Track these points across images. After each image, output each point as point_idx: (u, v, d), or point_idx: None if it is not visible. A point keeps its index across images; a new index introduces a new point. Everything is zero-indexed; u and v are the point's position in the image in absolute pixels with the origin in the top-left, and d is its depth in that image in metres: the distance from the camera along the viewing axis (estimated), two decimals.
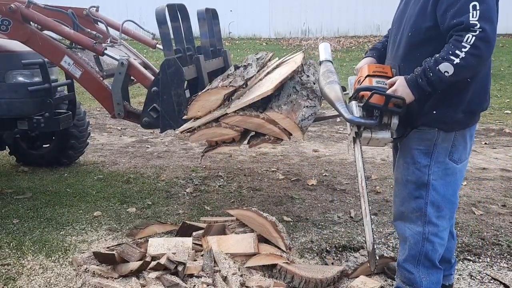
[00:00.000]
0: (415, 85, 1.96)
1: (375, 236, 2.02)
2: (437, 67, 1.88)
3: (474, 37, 1.82)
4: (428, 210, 2.19)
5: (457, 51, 1.85)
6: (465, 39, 1.83)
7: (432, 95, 2.02)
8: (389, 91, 2.02)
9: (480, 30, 1.82)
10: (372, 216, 3.55)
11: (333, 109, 2.23)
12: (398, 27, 2.22)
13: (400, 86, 1.99)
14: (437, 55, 1.92)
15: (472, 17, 1.83)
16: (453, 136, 2.12)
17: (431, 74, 1.91)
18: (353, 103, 2.14)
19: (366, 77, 2.17)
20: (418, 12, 2.03)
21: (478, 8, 1.83)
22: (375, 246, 2.07)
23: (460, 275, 2.77)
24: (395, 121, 2.06)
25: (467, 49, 1.83)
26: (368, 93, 2.06)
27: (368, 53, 2.48)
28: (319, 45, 2.63)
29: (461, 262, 2.92)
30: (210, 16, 3.79)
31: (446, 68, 1.87)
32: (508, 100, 8.12)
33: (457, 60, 1.85)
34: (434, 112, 2.07)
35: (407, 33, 2.10)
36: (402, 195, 2.27)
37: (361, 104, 2.11)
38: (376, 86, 2.11)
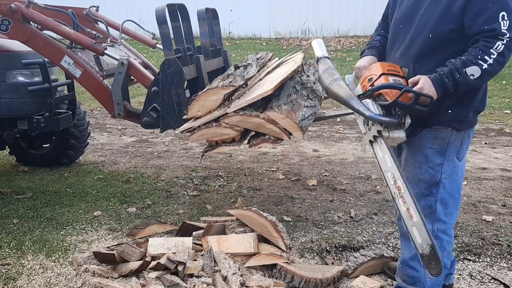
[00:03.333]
0: (440, 85, 1.97)
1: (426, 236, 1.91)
2: (464, 69, 1.93)
3: (503, 46, 1.90)
4: (438, 207, 2.22)
5: (485, 57, 1.91)
6: (495, 46, 1.91)
7: (450, 95, 2.03)
8: (415, 90, 1.99)
9: (508, 39, 1.90)
10: (373, 216, 3.57)
11: (345, 107, 2.17)
12: (407, 25, 2.19)
13: (426, 85, 1.98)
14: (464, 57, 1.95)
15: (503, 26, 1.90)
16: (463, 135, 2.19)
17: (458, 76, 1.94)
18: (369, 101, 2.09)
19: (381, 75, 2.12)
20: (441, 13, 2.03)
21: (506, 18, 1.91)
22: (435, 247, 1.89)
23: (460, 275, 2.77)
24: (408, 120, 2.07)
25: (495, 56, 1.91)
26: (391, 91, 2.03)
27: (367, 52, 2.44)
28: (312, 42, 2.56)
29: (461, 262, 2.92)
30: (210, 16, 3.79)
31: (473, 71, 1.92)
32: (508, 100, 8.12)
33: (485, 66, 1.91)
34: (450, 111, 2.11)
35: (426, 33, 2.09)
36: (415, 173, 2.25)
37: (384, 102, 2.06)
38: (398, 84, 2.08)
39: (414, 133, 2.18)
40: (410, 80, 2.06)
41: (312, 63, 3.52)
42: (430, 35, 2.07)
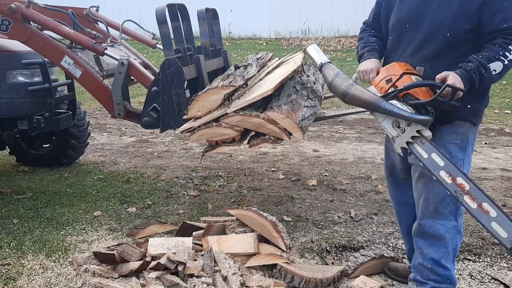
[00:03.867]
0: (468, 80, 2.00)
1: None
2: (489, 65, 1.99)
3: None
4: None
5: (506, 53, 1.99)
6: None
7: (472, 90, 2.06)
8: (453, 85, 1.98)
9: None
10: (373, 216, 3.57)
11: (367, 112, 2.14)
12: (415, 25, 2.19)
13: (456, 80, 1.99)
14: (486, 53, 2.01)
15: None
16: (476, 130, 2.26)
17: (483, 71, 1.99)
18: (395, 102, 2.04)
19: (402, 75, 2.08)
20: (457, 14, 2.07)
21: None
22: None
23: (460, 275, 2.77)
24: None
25: None
26: (420, 89, 2.02)
27: (367, 54, 2.36)
28: (307, 49, 2.46)
29: (461, 262, 2.92)
30: (210, 16, 3.79)
31: (496, 67, 1.99)
32: (508, 100, 8.12)
33: (506, 61, 1.99)
34: (469, 106, 2.16)
35: (443, 33, 2.10)
36: (436, 191, 2.23)
37: (417, 101, 2.02)
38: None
39: (433, 131, 2.15)
40: (438, 77, 2.05)
41: (312, 63, 3.52)
42: (448, 34, 2.09)
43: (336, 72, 2.26)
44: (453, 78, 2.00)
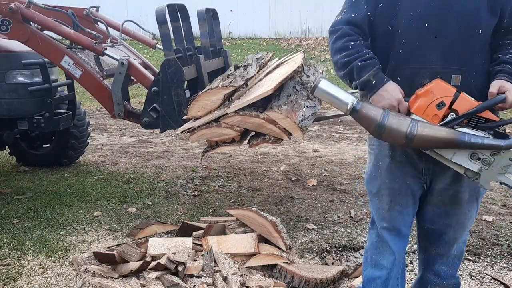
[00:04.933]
0: None
1: None
2: None
3: None
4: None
5: None
6: None
7: None
8: None
9: None
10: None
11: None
12: (438, 23, 1.75)
13: None
14: None
15: None
16: None
17: None
18: (466, 129, 1.68)
19: (455, 94, 1.70)
20: (485, 8, 1.75)
21: None
22: None
23: (460, 275, 2.77)
24: None
25: None
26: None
27: (379, 78, 1.77)
28: (321, 87, 1.77)
29: (461, 262, 2.92)
30: (210, 16, 3.80)
31: None
32: None
33: None
34: None
35: (475, 30, 1.75)
36: (470, 213, 1.96)
37: (491, 124, 1.71)
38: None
39: None
40: (494, 90, 1.69)
41: (312, 63, 3.52)
42: (480, 31, 1.75)
43: (380, 110, 1.72)
44: (511, 87, 1.67)
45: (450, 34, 1.74)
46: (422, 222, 2.04)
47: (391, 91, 1.74)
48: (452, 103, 1.70)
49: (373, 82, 1.76)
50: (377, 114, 1.71)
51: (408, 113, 1.75)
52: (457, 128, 1.69)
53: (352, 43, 1.79)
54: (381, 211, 1.99)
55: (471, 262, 2.93)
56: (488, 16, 1.75)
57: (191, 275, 2.53)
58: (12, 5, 3.37)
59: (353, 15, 1.82)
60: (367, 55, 1.77)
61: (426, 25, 1.75)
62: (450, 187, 1.88)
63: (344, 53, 1.79)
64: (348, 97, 1.76)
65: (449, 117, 1.70)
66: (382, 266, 2.01)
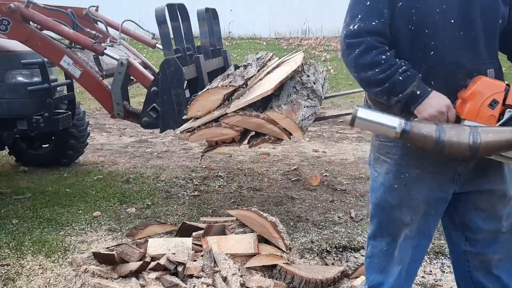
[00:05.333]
0: None
1: None
2: None
3: None
4: None
5: None
6: None
7: None
8: None
9: None
10: None
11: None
12: (461, 17, 1.63)
13: None
14: None
15: None
16: None
17: None
18: None
19: (506, 89, 1.59)
20: None
21: None
22: None
23: None
24: None
25: None
26: None
27: (424, 88, 1.63)
28: (360, 116, 1.63)
29: None
30: (210, 16, 3.79)
31: None
32: None
33: None
34: None
35: (495, 22, 1.67)
36: None
37: None
38: None
39: None
40: None
41: (313, 63, 3.52)
42: (500, 21, 1.68)
43: (433, 125, 1.58)
44: None
45: (475, 28, 1.64)
46: (466, 232, 1.90)
47: (438, 97, 1.62)
48: (505, 98, 1.57)
49: (418, 93, 1.61)
50: (431, 130, 1.57)
51: (458, 120, 1.62)
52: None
53: (383, 56, 1.63)
54: (399, 223, 1.87)
55: None
56: (503, 6, 1.67)
57: (191, 276, 2.52)
58: (11, 4, 3.37)
59: (373, 23, 1.63)
60: (404, 66, 1.62)
61: (452, 21, 1.63)
62: (495, 187, 1.76)
63: (377, 69, 1.61)
64: (393, 120, 1.61)
65: (507, 114, 1.57)
66: (390, 273, 1.94)
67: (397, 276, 1.94)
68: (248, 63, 3.18)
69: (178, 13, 3.48)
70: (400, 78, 1.60)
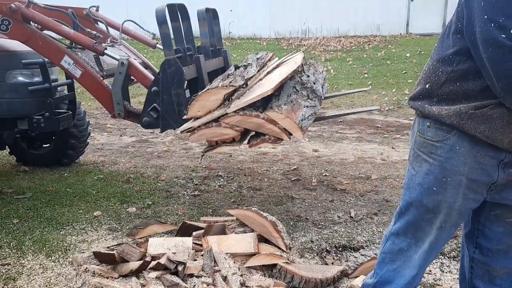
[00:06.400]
0: None
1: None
2: None
3: None
4: None
5: None
6: None
7: None
8: None
9: None
10: (373, 216, 3.57)
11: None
12: None
13: None
14: None
15: None
16: None
17: None
18: None
19: None
20: None
21: None
22: None
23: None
24: None
25: None
26: None
27: None
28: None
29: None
30: (210, 16, 3.80)
31: None
32: None
33: None
34: None
35: None
36: None
37: None
38: None
39: None
40: None
41: (312, 63, 3.53)
42: None
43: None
44: None
45: None
46: (480, 239, 1.88)
47: None
48: None
49: None
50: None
51: None
52: None
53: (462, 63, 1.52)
54: (428, 228, 1.81)
55: None
56: None
57: (191, 275, 2.53)
58: (12, 4, 3.37)
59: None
60: None
61: None
62: None
63: None
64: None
65: None
66: (402, 275, 1.91)
67: (410, 280, 1.89)
68: (248, 63, 3.19)
69: (179, 13, 3.48)
70: None
